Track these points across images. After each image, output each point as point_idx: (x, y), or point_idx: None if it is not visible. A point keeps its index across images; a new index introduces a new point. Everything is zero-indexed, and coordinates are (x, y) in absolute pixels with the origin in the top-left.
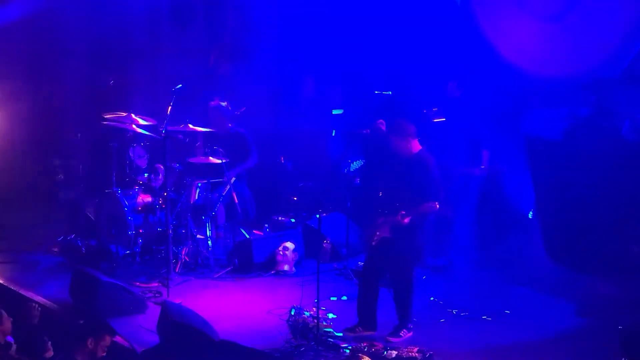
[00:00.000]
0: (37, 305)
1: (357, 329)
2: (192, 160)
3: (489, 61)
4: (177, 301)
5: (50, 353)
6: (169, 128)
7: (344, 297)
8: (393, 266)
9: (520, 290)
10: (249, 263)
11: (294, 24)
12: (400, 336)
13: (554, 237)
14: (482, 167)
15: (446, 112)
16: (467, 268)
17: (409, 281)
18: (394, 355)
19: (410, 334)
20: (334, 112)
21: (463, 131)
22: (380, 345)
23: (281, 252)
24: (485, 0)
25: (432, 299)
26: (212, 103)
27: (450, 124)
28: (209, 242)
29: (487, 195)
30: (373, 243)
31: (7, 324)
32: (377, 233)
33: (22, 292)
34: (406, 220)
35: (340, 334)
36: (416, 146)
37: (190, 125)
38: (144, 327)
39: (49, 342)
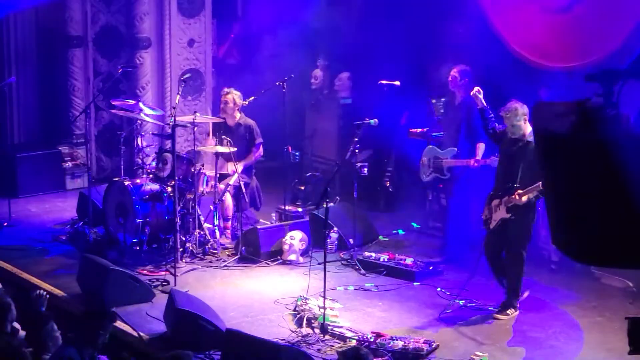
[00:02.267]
0: (45, 293)
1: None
2: (200, 149)
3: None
4: (184, 290)
5: (59, 340)
6: (178, 117)
7: (351, 287)
8: (509, 245)
9: (527, 281)
10: (256, 252)
11: (302, 13)
12: (508, 314)
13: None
14: (475, 160)
15: (445, 102)
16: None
17: (522, 260)
18: (399, 346)
19: (517, 312)
20: (342, 101)
21: (459, 122)
22: (386, 336)
23: (288, 242)
24: None
25: (439, 289)
26: (226, 92)
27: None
28: (217, 230)
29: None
30: (492, 226)
31: (13, 311)
32: (494, 216)
33: (30, 279)
34: (524, 199)
35: (349, 324)
36: (529, 127)
37: (199, 115)
38: (150, 315)
39: (58, 331)
